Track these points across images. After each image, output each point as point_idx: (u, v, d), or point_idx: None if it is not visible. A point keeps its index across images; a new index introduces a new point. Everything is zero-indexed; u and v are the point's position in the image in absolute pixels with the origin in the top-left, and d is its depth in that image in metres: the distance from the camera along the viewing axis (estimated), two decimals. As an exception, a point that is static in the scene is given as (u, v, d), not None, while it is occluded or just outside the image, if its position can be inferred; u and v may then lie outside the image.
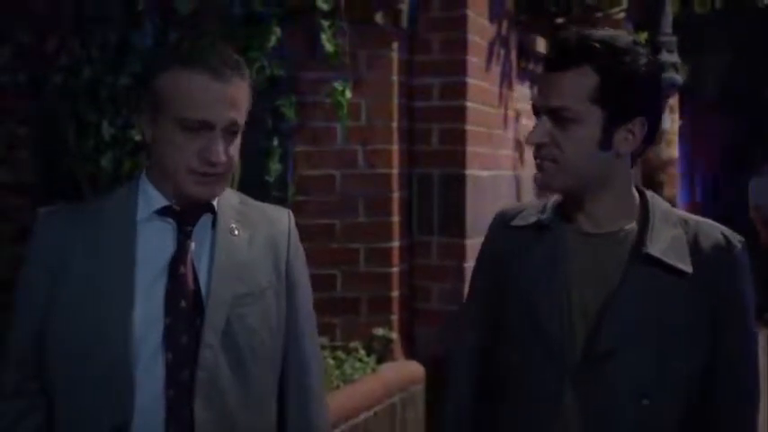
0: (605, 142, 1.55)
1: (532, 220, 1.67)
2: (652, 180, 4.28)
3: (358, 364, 3.51)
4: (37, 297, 1.66)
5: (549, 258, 1.62)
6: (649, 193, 1.64)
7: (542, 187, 1.63)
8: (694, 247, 1.58)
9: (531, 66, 4.73)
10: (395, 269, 3.72)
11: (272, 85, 3.50)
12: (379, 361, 3.62)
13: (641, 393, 1.55)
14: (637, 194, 1.63)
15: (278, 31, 3.41)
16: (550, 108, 1.55)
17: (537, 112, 1.59)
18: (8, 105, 3.46)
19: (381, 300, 3.70)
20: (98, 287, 1.62)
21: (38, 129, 3.50)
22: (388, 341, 3.67)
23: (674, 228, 1.60)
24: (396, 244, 3.72)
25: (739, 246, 1.60)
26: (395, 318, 3.72)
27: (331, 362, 3.45)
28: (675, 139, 4.42)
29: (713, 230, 1.61)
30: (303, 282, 1.80)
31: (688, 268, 1.56)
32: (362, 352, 3.61)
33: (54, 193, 3.34)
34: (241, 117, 1.65)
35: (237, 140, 1.66)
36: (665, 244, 1.57)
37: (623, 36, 1.58)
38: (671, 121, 4.28)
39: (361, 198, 3.69)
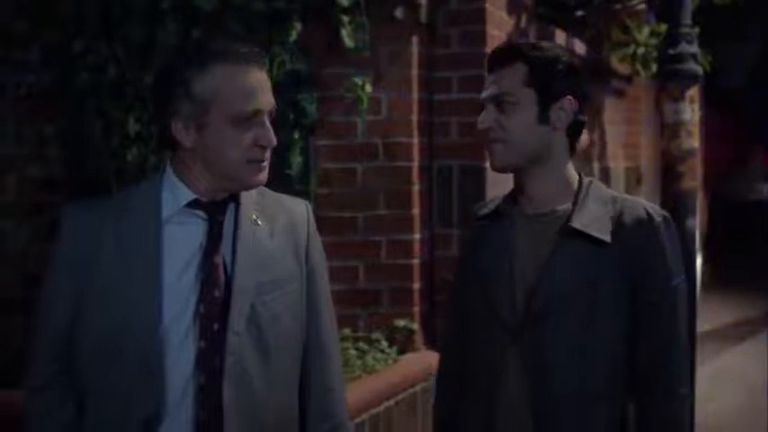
0: (542, 117, 1.82)
1: (491, 208, 1.94)
2: (672, 171, 4.27)
3: (380, 355, 3.55)
4: (64, 291, 1.70)
5: (500, 239, 1.87)
6: (587, 179, 1.89)
7: (495, 168, 1.87)
8: (618, 221, 1.81)
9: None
10: (416, 261, 3.75)
11: (294, 79, 3.54)
12: (401, 352, 3.66)
13: (572, 350, 1.77)
14: (576, 179, 1.87)
15: (299, 26, 3.45)
16: (493, 96, 1.83)
17: (482, 106, 1.86)
18: (37, 104, 3.53)
19: (403, 291, 3.74)
20: (125, 279, 1.67)
21: (66, 126, 3.56)
22: (410, 332, 3.71)
23: (603, 206, 1.84)
24: (416, 236, 3.76)
25: (659, 218, 1.82)
26: (416, 309, 3.75)
27: (353, 352, 3.49)
28: (696, 130, 4.40)
29: (637, 206, 1.84)
30: (321, 269, 1.85)
31: (607, 238, 1.79)
32: (384, 343, 3.65)
33: (83, 189, 3.41)
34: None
35: None
36: (589, 219, 1.81)
37: (545, 42, 1.95)
38: (691, 112, 4.26)
39: (381, 191, 3.72)
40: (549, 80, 1.81)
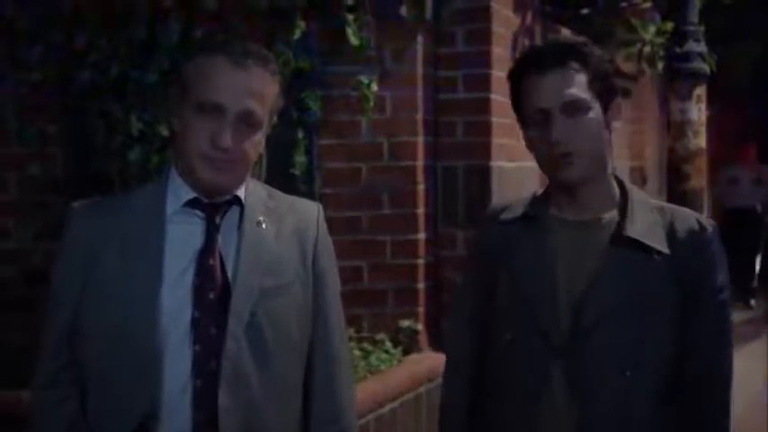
0: (606, 123, 1.73)
1: (519, 212, 1.82)
2: (678, 172, 4.24)
3: (384, 356, 3.53)
4: (70, 289, 1.69)
5: (537, 246, 1.76)
6: (627, 184, 1.80)
7: (572, 182, 1.73)
8: (671, 231, 1.73)
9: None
10: (420, 261, 3.73)
11: (298, 78, 3.52)
12: (405, 352, 3.63)
13: (623, 365, 1.69)
14: (617, 184, 1.78)
15: (303, 24, 3.43)
16: (564, 102, 1.68)
17: (545, 113, 1.70)
18: (39, 103, 3.51)
19: (407, 291, 3.72)
20: (127, 278, 1.65)
21: (68, 125, 3.54)
22: (414, 333, 3.69)
23: (651, 214, 1.75)
24: (421, 236, 3.73)
25: (711, 229, 1.76)
26: (421, 309, 3.73)
27: (357, 353, 3.47)
28: (703, 130, 4.37)
29: (688, 216, 1.77)
30: (330, 272, 1.81)
31: (665, 249, 1.71)
32: (389, 344, 3.63)
33: (84, 188, 3.38)
34: (260, 108, 1.65)
35: (257, 135, 1.67)
36: (644, 228, 1.72)
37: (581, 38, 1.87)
38: (698, 111, 4.23)
39: (386, 190, 3.70)
40: (607, 80, 1.73)
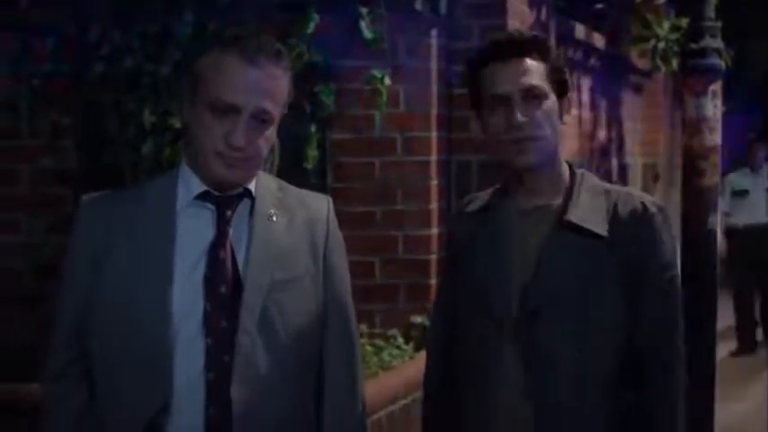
0: (560, 113, 1.80)
1: (480, 204, 1.89)
2: (694, 168, 4.20)
3: (396, 352, 3.51)
4: (81, 282, 1.69)
5: (493, 235, 1.82)
6: (579, 170, 1.86)
7: (529, 166, 1.78)
8: (614, 214, 1.78)
9: (570, 52, 4.68)
10: (433, 256, 3.71)
11: (311, 71, 3.50)
12: (418, 348, 3.61)
13: (571, 348, 1.73)
14: (567, 170, 1.84)
15: (317, 17, 3.42)
16: (526, 88, 1.75)
17: (505, 99, 1.75)
18: (52, 95, 3.51)
19: (420, 287, 3.70)
20: (138, 271, 1.65)
21: (80, 118, 3.54)
22: (427, 329, 3.67)
23: (597, 198, 1.80)
24: (434, 231, 3.72)
25: (655, 209, 1.79)
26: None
27: (369, 349, 3.46)
28: (718, 126, 4.33)
29: (632, 198, 1.81)
30: (341, 267, 1.80)
31: (603, 232, 1.76)
32: (401, 339, 3.61)
33: (96, 181, 3.38)
34: (273, 106, 1.65)
35: (269, 130, 1.67)
36: (585, 211, 1.77)
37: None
38: (713, 108, 4.19)
39: (399, 185, 3.69)
40: (563, 74, 1.81)
